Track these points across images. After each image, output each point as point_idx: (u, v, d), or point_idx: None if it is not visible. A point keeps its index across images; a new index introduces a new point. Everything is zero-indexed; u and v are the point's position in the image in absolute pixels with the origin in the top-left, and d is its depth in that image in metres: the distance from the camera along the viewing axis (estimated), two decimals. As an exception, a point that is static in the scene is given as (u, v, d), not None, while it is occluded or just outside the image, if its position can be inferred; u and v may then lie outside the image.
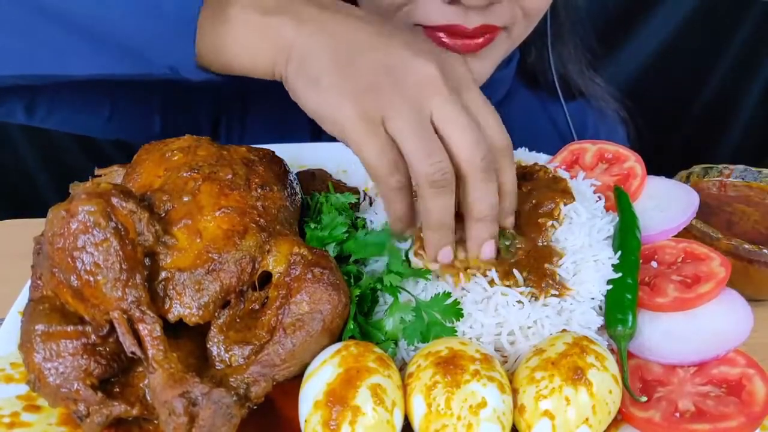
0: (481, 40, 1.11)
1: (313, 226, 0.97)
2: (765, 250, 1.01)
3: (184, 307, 0.78)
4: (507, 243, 0.92)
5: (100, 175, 1.02)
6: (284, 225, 0.89)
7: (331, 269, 0.81)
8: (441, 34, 1.11)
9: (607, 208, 1.02)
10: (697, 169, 1.21)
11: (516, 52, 1.50)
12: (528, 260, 0.91)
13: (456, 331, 0.85)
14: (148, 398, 0.77)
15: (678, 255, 0.98)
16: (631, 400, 0.81)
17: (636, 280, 0.92)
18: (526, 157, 1.17)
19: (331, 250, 0.93)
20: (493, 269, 0.90)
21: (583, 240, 0.94)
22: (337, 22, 0.83)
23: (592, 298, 0.91)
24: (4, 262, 0.97)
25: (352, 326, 0.84)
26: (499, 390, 0.75)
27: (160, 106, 1.33)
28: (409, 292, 0.88)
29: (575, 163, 1.16)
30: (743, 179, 1.21)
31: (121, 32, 0.84)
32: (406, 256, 0.90)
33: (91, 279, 0.74)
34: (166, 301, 0.78)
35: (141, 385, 0.78)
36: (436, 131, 0.80)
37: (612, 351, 0.85)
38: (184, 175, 0.86)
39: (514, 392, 0.77)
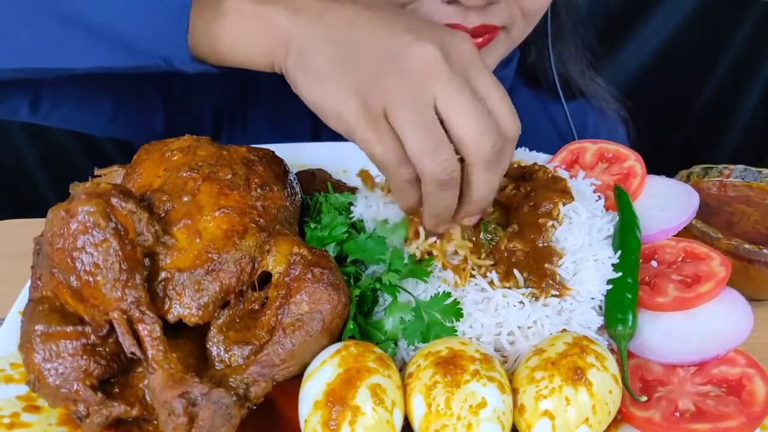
0: (480, 39, 1.11)
1: (313, 226, 0.97)
2: (765, 250, 1.01)
3: (184, 307, 0.78)
4: (489, 237, 0.93)
5: (100, 175, 1.02)
6: (284, 225, 0.89)
7: (330, 269, 0.81)
8: None
9: (607, 208, 1.02)
10: (697, 169, 1.21)
11: (516, 51, 1.50)
12: (528, 260, 0.91)
13: (456, 331, 0.85)
14: (148, 399, 0.77)
15: (678, 254, 0.98)
16: (631, 400, 0.81)
17: (636, 280, 0.92)
18: (526, 156, 1.17)
19: (331, 250, 0.93)
20: (494, 271, 0.90)
21: (583, 239, 0.94)
22: (334, 9, 0.81)
23: (592, 298, 0.91)
24: (4, 262, 0.97)
25: (351, 326, 0.84)
26: (499, 390, 0.75)
27: (162, 103, 1.33)
28: (409, 292, 0.88)
29: (575, 162, 1.16)
30: (743, 179, 1.21)
31: (115, 24, 0.83)
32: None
33: (91, 279, 0.74)
34: (165, 301, 0.78)
35: (141, 385, 0.78)
36: (441, 119, 0.76)
37: (612, 351, 0.85)
38: (184, 175, 0.86)
39: (514, 392, 0.77)
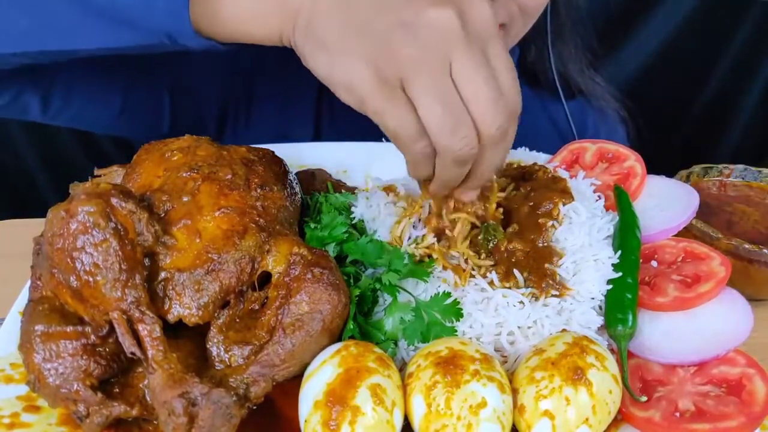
0: None
1: (313, 226, 0.97)
2: (765, 250, 1.01)
3: (184, 307, 0.78)
4: (489, 238, 0.93)
5: (100, 175, 1.02)
6: (284, 225, 0.89)
7: (330, 269, 0.81)
8: None
9: (607, 208, 1.02)
10: (697, 169, 1.21)
11: (515, 50, 1.50)
12: (528, 260, 0.91)
13: (456, 331, 0.85)
14: (148, 398, 0.76)
15: (678, 254, 0.98)
16: (631, 400, 0.81)
17: (636, 280, 0.92)
18: (526, 156, 1.17)
19: (331, 250, 0.93)
20: (494, 271, 0.90)
21: (583, 239, 0.94)
22: None
23: (592, 298, 0.91)
24: (4, 262, 0.97)
25: (351, 326, 0.84)
26: (499, 390, 0.75)
27: (169, 98, 1.32)
28: (409, 292, 0.88)
29: (575, 162, 1.16)
30: (743, 179, 1.21)
31: (117, 2, 0.83)
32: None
33: (91, 279, 0.74)
34: (165, 301, 0.78)
35: (141, 385, 0.78)
36: (455, 86, 0.73)
37: (612, 351, 0.85)
38: (184, 175, 0.86)
39: (514, 392, 0.77)
